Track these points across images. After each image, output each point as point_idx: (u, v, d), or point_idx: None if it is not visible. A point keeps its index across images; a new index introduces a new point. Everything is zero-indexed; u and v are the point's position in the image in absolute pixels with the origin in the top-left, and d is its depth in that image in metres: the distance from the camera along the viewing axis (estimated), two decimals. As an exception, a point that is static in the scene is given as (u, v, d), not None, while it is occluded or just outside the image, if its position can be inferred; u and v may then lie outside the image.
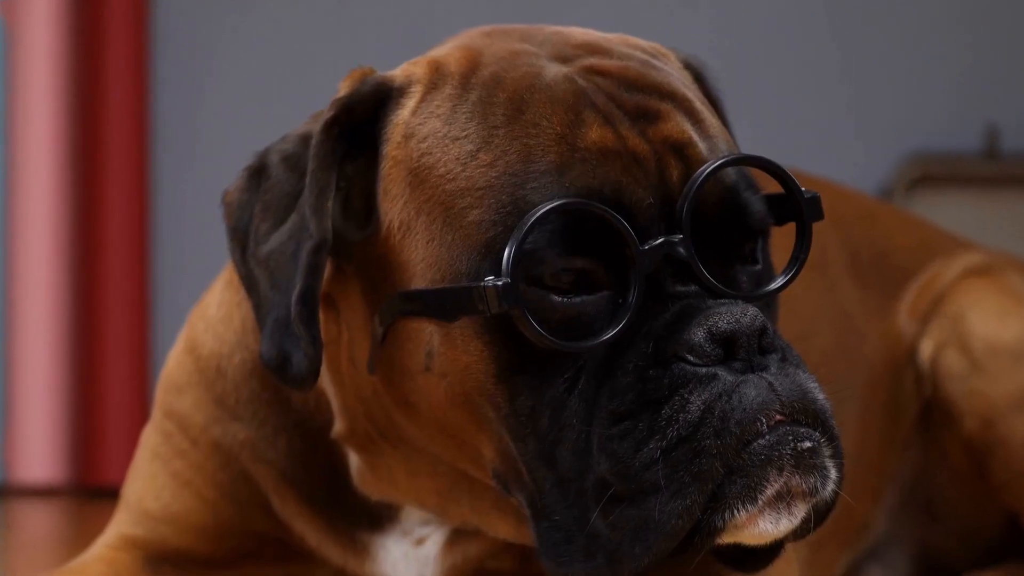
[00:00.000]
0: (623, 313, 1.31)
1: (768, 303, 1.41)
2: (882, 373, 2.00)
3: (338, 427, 1.50)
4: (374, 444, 1.48)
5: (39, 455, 3.72)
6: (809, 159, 3.17)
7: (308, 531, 1.57)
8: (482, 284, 1.31)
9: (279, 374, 1.40)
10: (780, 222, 1.41)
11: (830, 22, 4.00)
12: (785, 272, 1.38)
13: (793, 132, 3.95)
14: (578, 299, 1.32)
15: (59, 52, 3.72)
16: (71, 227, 3.75)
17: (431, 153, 1.38)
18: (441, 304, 1.34)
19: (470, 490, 1.45)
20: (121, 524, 1.65)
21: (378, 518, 1.54)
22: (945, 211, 3.74)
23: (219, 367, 1.59)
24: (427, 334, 1.36)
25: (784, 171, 1.38)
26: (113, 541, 1.64)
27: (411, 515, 1.54)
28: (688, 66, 1.51)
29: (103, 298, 3.77)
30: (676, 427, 1.28)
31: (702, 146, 1.36)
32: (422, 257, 1.36)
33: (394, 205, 1.39)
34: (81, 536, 2.87)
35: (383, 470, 1.50)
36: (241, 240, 1.46)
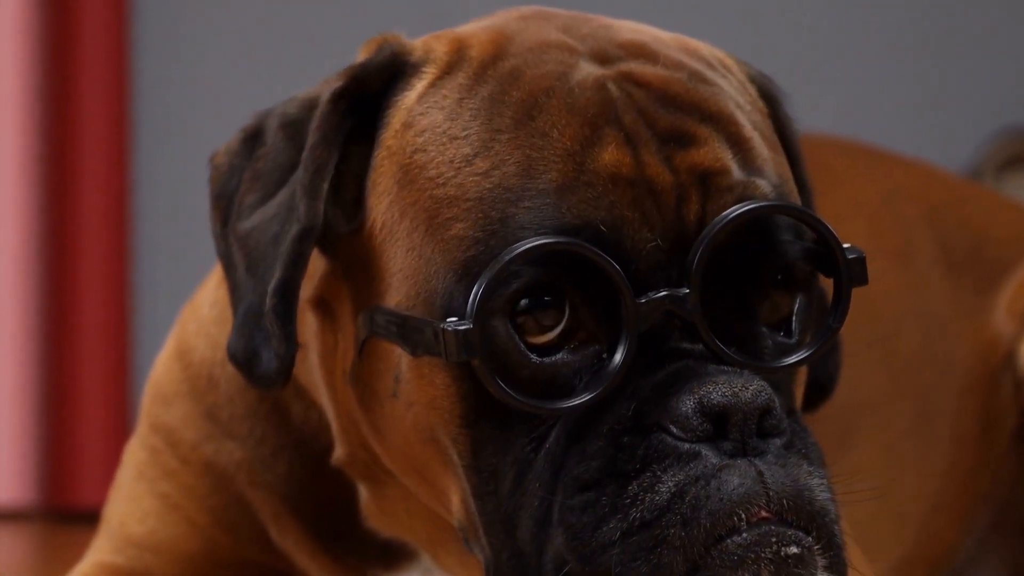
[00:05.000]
0: (608, 374, 1.28)
1: (821, 361, 1.36)
2: (976, 380, 1.98)
3: (338, 452, 1.49)
4: (373, 473, 1.47)
5: (5, 474, 3.73)
6: (885, 135, 3.15)
7: (312, 567, 1.56)
8: (442, 325, 1.29)
9: (245, 372, 1.39)
10: (824, 273, 1.36)
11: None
12: (810, 344, 1.34)
13: (869, 104, 3.94)
14: (558, 352, 1.29)
15: (30, 35, 3.74)
16: (41, 219, 3.76)
17: (425, 150, 1.36)
18: (403, 332, 1.33)
19: (457, 539, 1.43)
20: (101, 551, 1.65)
21: (394, 555, 1.53)
22: (1043, 196, 3.72)
23: (211, 376, 1.58)
24: (396, 356, 1.35)
25: (823, 225, 1.33)
26: (91, 570, 1.64)
27: None
28: (761, 90, 1.46)
29: (77, 299, 3.77)
30: (640, 508, 1.24)
31: (737, 179, 1.32)
32: (399, 267, 1.35)
33: (380, 202, 1.38)
34: (53, 565, 2.87)
35: (387, 503, 1.49)
36: (224, 210, 1.45)
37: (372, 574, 1.55)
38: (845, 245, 1.35)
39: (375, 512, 1.51)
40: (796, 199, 1.39)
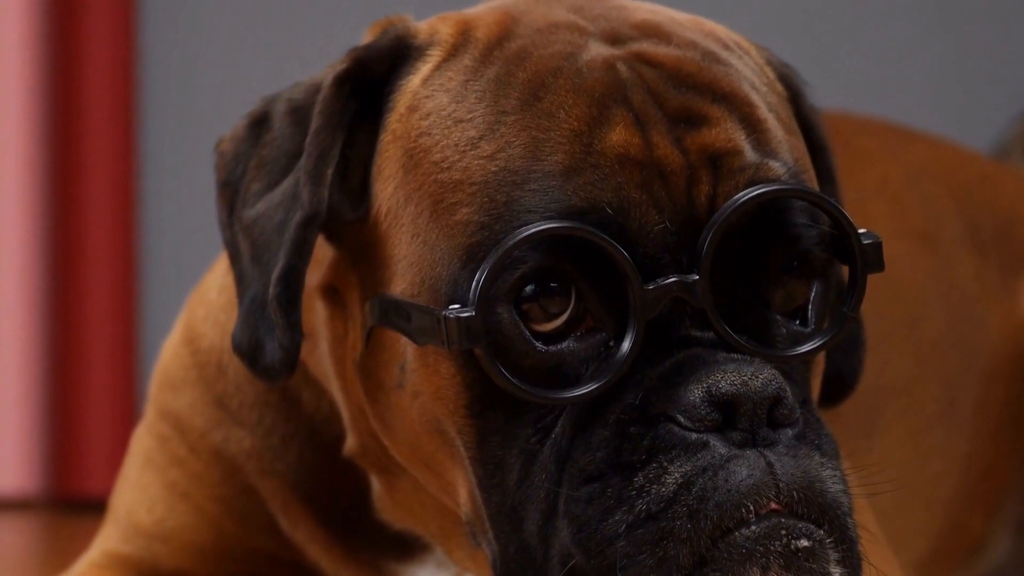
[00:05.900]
0: (615, 363, 1.27)
1: (843, 354, 1.35)
2: (1003, 365, 1.98)
3: (350, 443, 1.49)
4: (385, 464, 1.47)
5: (11, 463, 3.74)
6: (911, 113, 3.14)
7: (324, 558, 1.56)
8: (444, 313, 1.28)
9: (249, 363, 1.39)
10: (840, 259, 1.35)
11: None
12: (825, 333, 1.33)
13: (894, 82, 3.92)
14: (564, 340, 1.29)
15: (34, 32, 3.75)
16: (48, 207, 3.76)
17: (430, 134, 1.35)
18: (408, 320, 1.33)
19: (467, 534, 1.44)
20: (108, 540, 1.65)
21: (407, 547, 1.53)
22: (1072, 175, 3.71)
23: (220, 363, 1.58)
24: (401, 346, 1.35)
25: (838, 209, 1.32)
26: (99, 559, 1.64)
27: None
28: (783, 80, 1.45)
29: (83, 287, 3.77)
30: (646, 500, 1.24)
31: (750, 160, 1.31)
32: (404, 254, 1.35)
33: (386, 187, 1.37)
34: (60, 555, 2.87)
35: (399, 495, 1.49)
36: (229, 198, 1.45)
37: (385, 566, 1.54)
38: (861, 230, 1.33)
39: (387, 504, 1.50)
40: (813, 183, 1.38)
